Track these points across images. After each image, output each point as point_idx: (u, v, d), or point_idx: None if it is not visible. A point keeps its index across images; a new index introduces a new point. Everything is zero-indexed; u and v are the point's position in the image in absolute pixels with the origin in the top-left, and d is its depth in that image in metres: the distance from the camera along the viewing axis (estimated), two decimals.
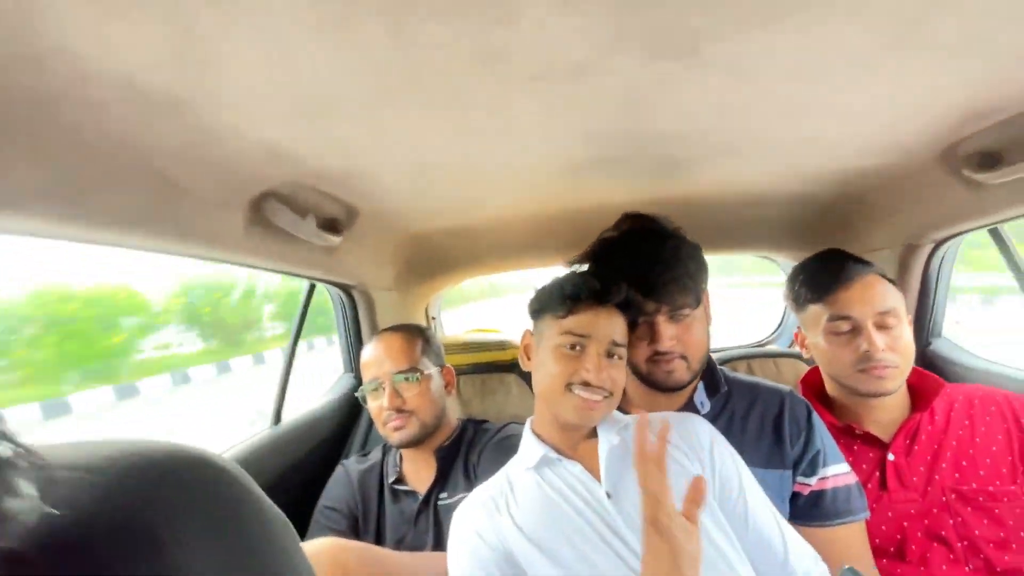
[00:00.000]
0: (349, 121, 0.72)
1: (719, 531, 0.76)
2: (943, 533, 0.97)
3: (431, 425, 1.12)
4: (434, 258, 1.66)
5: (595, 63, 0.60)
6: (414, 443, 1.10)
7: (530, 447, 0.88)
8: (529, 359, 0.92)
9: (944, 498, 0.98)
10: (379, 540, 1.08)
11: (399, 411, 1.09)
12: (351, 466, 1.20)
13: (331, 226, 1.12)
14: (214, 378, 8.74)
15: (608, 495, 0.79)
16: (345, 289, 1.50)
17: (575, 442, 0.87)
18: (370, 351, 1.17)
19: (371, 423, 1.60)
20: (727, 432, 0.92)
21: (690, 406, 1.01)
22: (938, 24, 0.57)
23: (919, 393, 1.07)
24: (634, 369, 0.99)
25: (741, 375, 1.08)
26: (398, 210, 1.22)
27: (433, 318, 2.06)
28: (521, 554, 0.76)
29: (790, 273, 1.17)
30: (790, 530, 0.81)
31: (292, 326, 1.44)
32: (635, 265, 0.92)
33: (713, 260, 1.16)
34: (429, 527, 1.05)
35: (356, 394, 1.19)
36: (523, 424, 0.94)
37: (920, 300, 1.40)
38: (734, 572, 0.73)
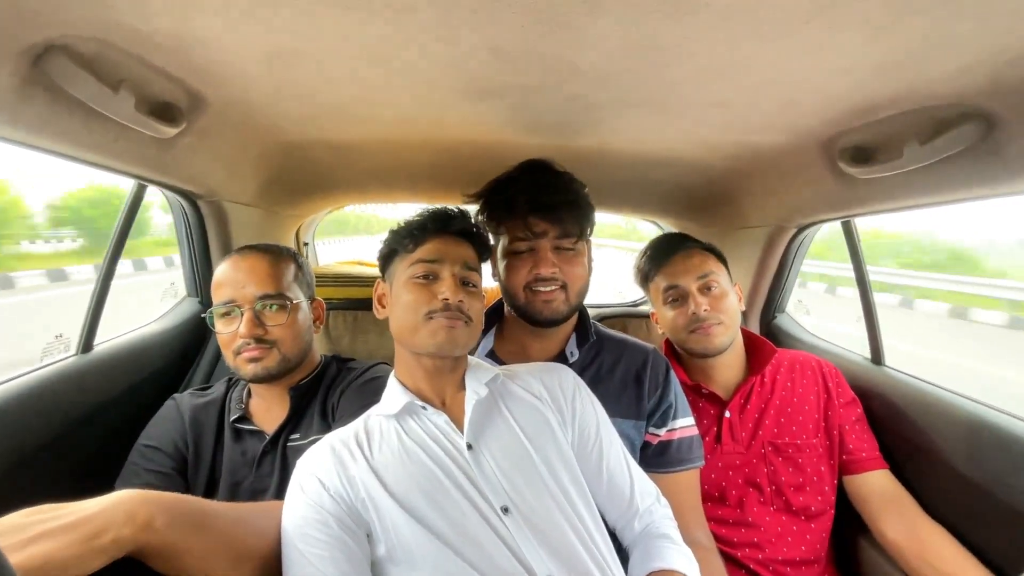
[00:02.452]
0: None
1: (572, 481, 0.79)
2: (758, 480, 1.12)
3: (293, 361, 1.00)
4: (309, 175, 1.43)
5: None
6: (269, 378, 0.97)
7: (394, 394, 0.84)
8: (383, 307, 0.88)
9: (762, 450, 1.13)
10: (212, 484, 0.95)
11: (259, 341, 0.95)
12: (184, 401, 1.03)
13: (165, 112, 0.87)
14: None
15: (469, 446, 0.78)
16: (188, 197, 1.23)
17: (442, 391, 0.84)
18: (228, 269, 0.99)
19: (218, 355, 1.40)
20: (595, 382, 0.98)
21: (561, 356, 1.05)
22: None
23: (755, 358, 1.21)
24: (513, 301, 1.02)
25: (612, 331, 1.14)
26: (261, 107, 0.99)
27: (305, 244, 1.83)
28: (375, 501, 0.72)
29: (638, 254, 1.29)
30: (637, 472, 0.88)
31: (113, 233, 1.15)
32: (528, 189, 0.97)
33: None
34: (275, 470, 0.95)
35: (204, 315, 1.01)
36: (392, 367, 0.89)
37: (775, 278, 1.55)
38: (581, 519, 0.76)
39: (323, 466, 0.74)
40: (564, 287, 0.98)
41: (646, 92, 0.87)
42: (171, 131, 0.89)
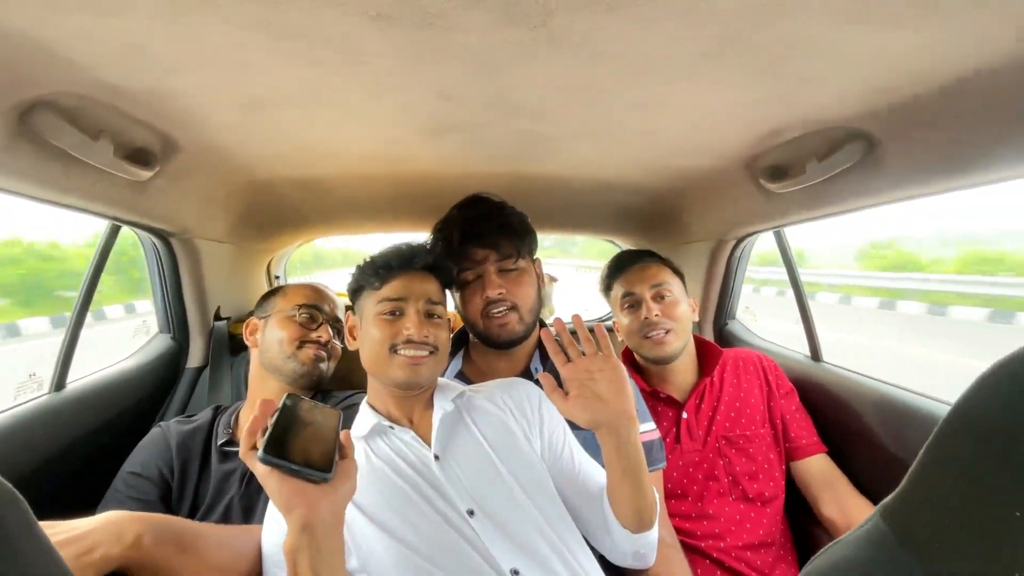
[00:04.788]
0: (149, 23, 0.59)
1: (537, 483, 0.84)
2: (715, 472, 1.21)
3: (329, 374, 1.20)
4: (279, 210, 1.50)
5: (446, 15, 0.58)
6: (314, 381, 1.15)
7: (364, 417, 0.90)
8: (354, 339, 0.93)
9: (717, 444, 1.22)
10: (195, 507, 0.98)
11: (326, 346, 1.18)
12: (171, 427, 1.07)
13: (140, 157, 0.93)
14: None
15: (436, 458, 0.82)
16: (161, 236, 1.28)
17: (411, 412, 0.89)
18: (315, 288, 1.25)
19: (191, 390, 1.43)
20: None
21: (526, 373, 1.10)
22: (746, 43, 0.66)
23: (705, 361, 1.31)
24: (472, 328, 1.08)
25: None
26: (231, 149, 1.06)
27: (277, 277, 1.87)
28: (347, 521, 0.75)
29: (603, 268, 1.41)
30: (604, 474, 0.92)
31: (86, 273, 1.19)
32: (462, 224, 1.07)
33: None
34: (262, 488, 0.98)
35: (291, 312, 1.18)
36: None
37: (722, 287, 1.67)
38: (546, 516, 0.81)
39: None
40: (515, 307, 1.05)
41: (584, 125, 0.98)
42: (146, 174, 0.95)
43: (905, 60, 0.69)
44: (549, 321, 1.85)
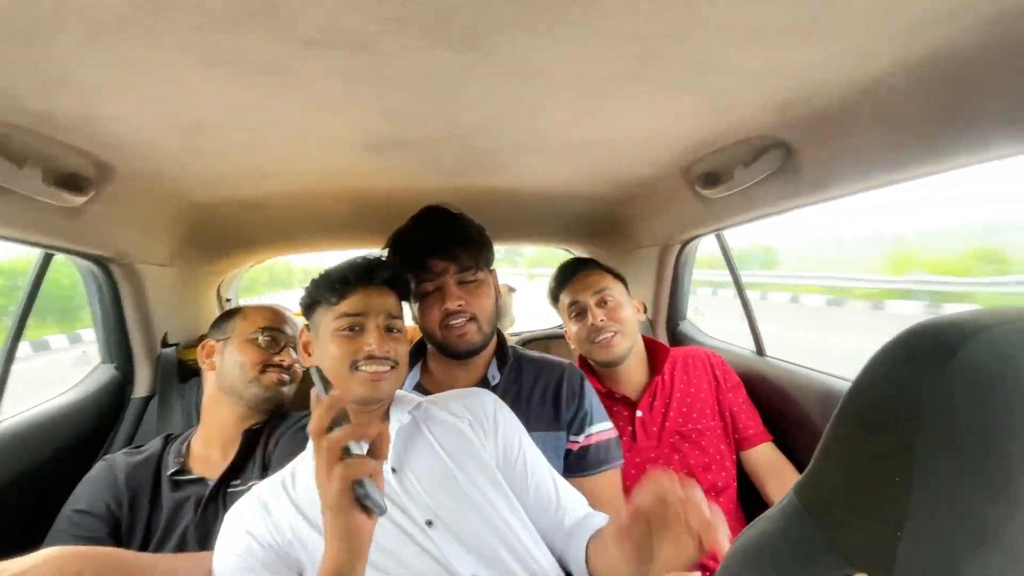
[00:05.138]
0: (75, 50, 0.59)
1: (495, 490, 0.85)
2: (671, 467, 1.24)
3: (292, 394, 1.18)
4: (225, 232, 1.47)
5: (377, 39, 0.60)
6: (279, 403, 1.14)
7: None
8: (309, 355, 0.92)
9: (671, 439, 1.27)
10: (147, 540, 0.95)
11: (289, 368, 1.16)
12: (118, 461, 1.02)
13: (72, 183, 0.90)
14: None
15: (393, 470, 0.82)
16: (99, 262, 1.23)
17: (367, 426, 0.87)
18: (273, 310, 1.22)
19: (138, 422, 1.37)
20: (516, 401, 1.04)
21: (483, 381, 1.12)
22: (664, 62, 0.71)
23: (655, 360, 1.36)
24: (431, 339, 1.09)
25: (531, 352, 1.23)
26: (171, 173, 1.04)
27: (228, 300, 1.83)
28: (302, 539, 0.75)
29: (549, 279, 1.45)
30: (561, 479, 0.94)
31: (18, 306, 1.13)
32: (422, 235, 1.07)
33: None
34: (218, 514, 0.96)
35: (254, 336, 1.14)
36: None
37: (672, 290, 1.74)
38: (506, 523, 0.82)
39: (251, 517, 0.77)
40: (474, 318, 1.05)
41: (525, 138, 1.01)
42: (79, 200, 0.92)
43: (807, 74, 0.76)
44: (508, 331, 1.88)
